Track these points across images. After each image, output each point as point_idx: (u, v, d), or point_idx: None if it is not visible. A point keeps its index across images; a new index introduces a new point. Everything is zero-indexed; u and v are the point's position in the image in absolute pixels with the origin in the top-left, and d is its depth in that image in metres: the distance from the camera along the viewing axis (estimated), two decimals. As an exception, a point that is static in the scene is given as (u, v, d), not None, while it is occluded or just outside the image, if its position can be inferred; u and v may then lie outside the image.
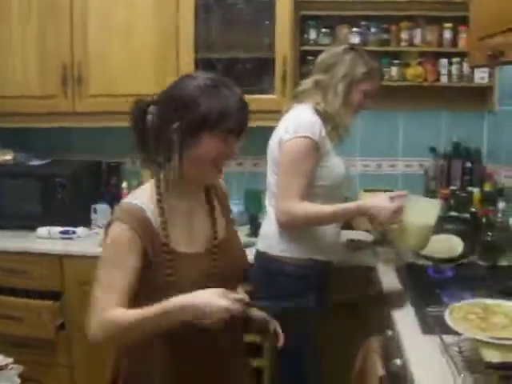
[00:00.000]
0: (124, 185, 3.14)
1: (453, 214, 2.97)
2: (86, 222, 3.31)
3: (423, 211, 2.32)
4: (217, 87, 1.61)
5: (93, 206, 3.34)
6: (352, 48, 2.44)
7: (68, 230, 3.17)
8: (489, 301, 1.84)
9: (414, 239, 2.35)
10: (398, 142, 3.50)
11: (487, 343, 1.57)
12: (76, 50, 3.20)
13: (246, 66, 3.14)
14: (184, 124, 1.57)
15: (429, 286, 2.33)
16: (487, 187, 3.18)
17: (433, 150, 3.43)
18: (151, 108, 1.66)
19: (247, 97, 1.66)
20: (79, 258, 3.03)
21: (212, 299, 1.51)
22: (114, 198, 3.44)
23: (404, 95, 3.33)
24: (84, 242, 3.16)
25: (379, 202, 2.25)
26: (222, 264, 1.71)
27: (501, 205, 2.89)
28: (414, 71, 3.29)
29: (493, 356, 1.51)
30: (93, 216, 3.34)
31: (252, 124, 1.65)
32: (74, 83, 3.21)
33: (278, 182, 2.37)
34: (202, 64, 3.17)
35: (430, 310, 2.03)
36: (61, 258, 3.05)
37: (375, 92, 2.45)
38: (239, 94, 1.65)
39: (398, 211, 2.22)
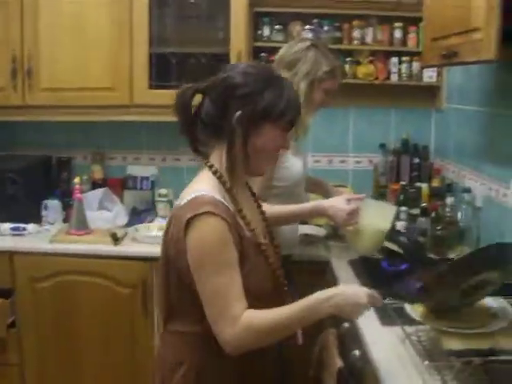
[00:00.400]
0: (76, 180, 3.09)
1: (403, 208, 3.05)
2: (37, 219, 3.24)
3: (379, 215, 2.39)
4: (275, 78, 1.60)
5: (43, 202, 3.29)
6: (314, 45, 2.45)
7: (18, 227, 3.11)
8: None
9: (368, 242, 2.41)
10: (348, 139, 3.57)
11: (447, 332, 1.63)
12: (26, 42, 3.12)
13: (200, 60, 3.14)
14: (247, 114, 1.54)
15: (384, 278, 2.39)
16: (435, 183, 3.28)
17: (382, 146, 3.51)
18: (200, 96, 1.62)
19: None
20: (30, 254, 2.98)
21: (356, 288, 1.59)
22: (64, 194, 3.39)
23: (355, 93, 3.38)
24: (35, 238, 3.10)
25: (336, 203, 2.28)
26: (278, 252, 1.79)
27: (449, 200, 2.98)
28: (366, 69, 3.36)
29: (453, 344, 1.58)
30: (43, 212, 3.28)
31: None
32: (24, 76, 3.14)
33: None
34: (156, 58, 3.15)
35: (387, 302, 2.08)
36: (11, 254, 2.98)
37: (336, 90, 2.48)
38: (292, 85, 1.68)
39: (354, 213, 2.25)
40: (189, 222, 1.49)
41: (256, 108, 1.54)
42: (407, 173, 3.44)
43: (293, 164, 2.42)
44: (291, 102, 1.58)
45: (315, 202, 2.43)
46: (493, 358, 1.49)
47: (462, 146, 3.11)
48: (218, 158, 1.62)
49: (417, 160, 3.45)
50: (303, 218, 2.73)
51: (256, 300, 1.53)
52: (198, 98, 1.64)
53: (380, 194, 3.34)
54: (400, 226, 2.97)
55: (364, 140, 3.56)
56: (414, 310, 1.77)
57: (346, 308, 1.53)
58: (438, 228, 2.86)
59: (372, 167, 3.55)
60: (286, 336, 1.57)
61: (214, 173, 1.61)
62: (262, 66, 1.70)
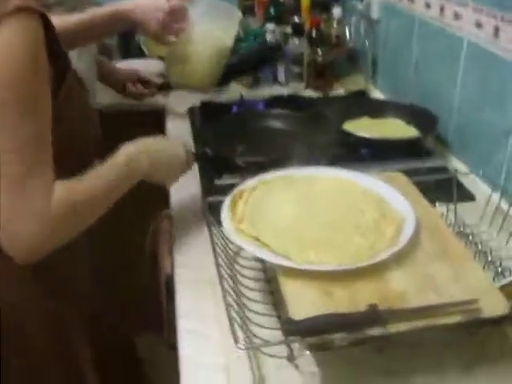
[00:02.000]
0: None
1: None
2: None
3: (217, 24, 1.69)
4: None
5: None
6: None
7: None
8: (294, 172, 1.08)
9: (204, 63, 1.71)
10: None
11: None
12: None
13: None
14: None
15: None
16: (318, -11, 2.42)
17: None
18: None
19: None
20: None
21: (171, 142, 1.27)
22: None
23: None
24: None
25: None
26: None
27: (336, 11, 2.15)
28: None
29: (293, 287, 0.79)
30: None
31: None
32: None
33: None
34: None
35: (219, 183, 1.30)
36: None
37: None
38: None
39: (179, 13, 1.55)
40: None
41: None
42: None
43: None
44: None
45: (115, 4, 1.53)
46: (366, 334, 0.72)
47: None
48: None
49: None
50: (100, 35, 1.72)
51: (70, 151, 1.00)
52: None
53: (244, 8, 2.44)
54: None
55: None
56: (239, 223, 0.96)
57: (163, 166, 1.18)
58: (319, 54, 2.05)
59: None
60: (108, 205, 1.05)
61: None
62: None
